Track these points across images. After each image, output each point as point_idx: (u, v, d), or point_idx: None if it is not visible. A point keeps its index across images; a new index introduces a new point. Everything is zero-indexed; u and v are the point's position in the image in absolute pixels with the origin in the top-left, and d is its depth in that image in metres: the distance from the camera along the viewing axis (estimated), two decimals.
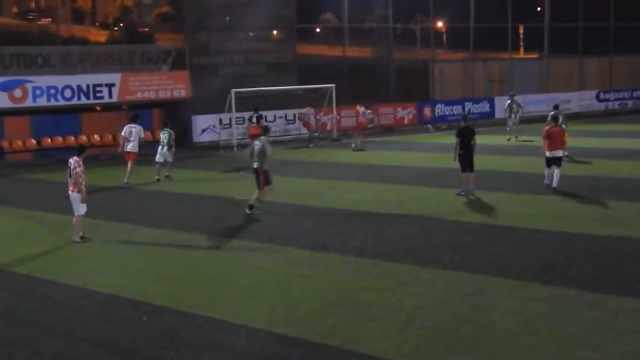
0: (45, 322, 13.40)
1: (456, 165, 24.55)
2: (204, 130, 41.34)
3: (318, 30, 55.30)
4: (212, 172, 32.00)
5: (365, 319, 12.84)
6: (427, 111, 46.60)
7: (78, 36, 46.71)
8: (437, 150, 35.89)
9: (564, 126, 26.92)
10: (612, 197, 22.87)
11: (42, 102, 36.71)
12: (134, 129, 29.89)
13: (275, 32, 45.82)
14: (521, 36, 60.87)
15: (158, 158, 29.97)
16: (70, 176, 19.40)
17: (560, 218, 20.36)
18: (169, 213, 22.69)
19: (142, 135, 30.23)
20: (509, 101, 39.92)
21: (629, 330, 11.92)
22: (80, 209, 19.45)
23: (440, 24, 57.27)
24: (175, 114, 39.58)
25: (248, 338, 12.14)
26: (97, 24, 50.92)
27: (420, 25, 56.48)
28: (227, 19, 43.37)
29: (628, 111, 55.26)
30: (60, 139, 38.05)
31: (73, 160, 19.39)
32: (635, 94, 57.00)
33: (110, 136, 38.88)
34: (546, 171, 24.90)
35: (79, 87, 37.28)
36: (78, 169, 19.24)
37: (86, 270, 16.79)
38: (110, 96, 38.17)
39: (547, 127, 25.34)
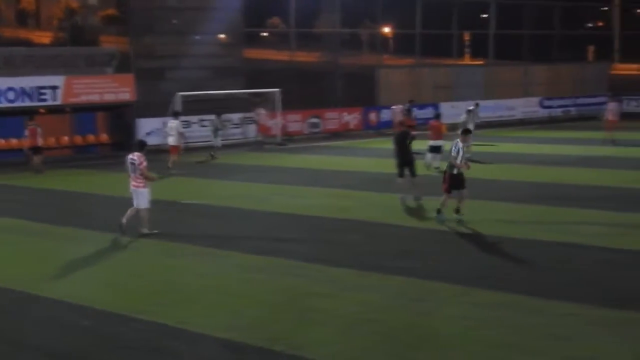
0: None
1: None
2: (148, 134, 41.00)
3: (265, 34, 55.35)
4: (155, 175, 31.75)
5: (310, 324, 12.88)
6: (372, 116, 46.67)
7: (22, 38, 46.28)
8: (383, 155, 35.99)
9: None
10: (555, 204, 23.12)
11: None
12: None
13: (222, 36, 45.68)
14: (467, 43, 61.44)
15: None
16: (134, 172, 19.44)
17: (506, 224, 20.56)
18: (113, 217, 22.43)
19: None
20: (472, 107, 38.03)
21: (570, 335, 12.09)
22: (147, 202, 19.71)
23: (387, 29, 57.59)
24: (119, 117, 39.31)
25: (192, 343, 12.11)
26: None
27: (368, 31, 56.77)
28: (174, 22, 43.18)
29: (571, 118, 55.92)
30: (2, 141, 37.54)
31: (136, 156, 19.42)
32: (578, 101, 57.74)
33: (53, 139, 38.46)
34: (430, 156, 30.49)
35: (22, 89, 36.80)
36: (145, 164, 19.38)
37: (33, 276, 16.56)
38: (54, 99, 37.72)
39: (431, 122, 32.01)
